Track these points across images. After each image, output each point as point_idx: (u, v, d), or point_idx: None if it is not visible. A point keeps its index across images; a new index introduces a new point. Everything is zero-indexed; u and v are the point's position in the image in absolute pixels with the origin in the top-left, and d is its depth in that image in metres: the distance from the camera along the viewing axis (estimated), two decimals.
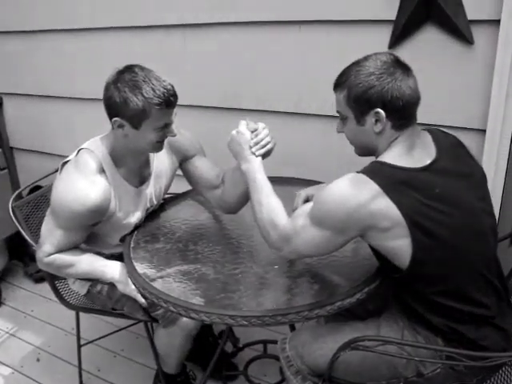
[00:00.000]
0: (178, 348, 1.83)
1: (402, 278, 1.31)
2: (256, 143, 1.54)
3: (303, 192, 1.66)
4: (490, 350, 1.30)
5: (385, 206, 1.21)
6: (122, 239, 1.78)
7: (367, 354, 1.30)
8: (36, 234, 1.96)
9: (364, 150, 1.40)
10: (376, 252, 1.36)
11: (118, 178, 1.65)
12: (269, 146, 1.56)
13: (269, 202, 1.42)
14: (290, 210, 1.48)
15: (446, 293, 1.30)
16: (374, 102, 1.26)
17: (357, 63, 1.31)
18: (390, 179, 1.24)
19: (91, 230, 1.71)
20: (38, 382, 2.25)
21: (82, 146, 1.65)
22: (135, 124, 1.53)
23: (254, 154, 1.53)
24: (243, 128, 1.58)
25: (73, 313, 2.05)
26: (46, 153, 3.16)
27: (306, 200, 1.62)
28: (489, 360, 1.19)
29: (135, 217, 1.76)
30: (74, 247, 1.70)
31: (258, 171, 1.49)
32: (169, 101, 1.52)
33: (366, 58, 1.31)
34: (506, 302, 1.45)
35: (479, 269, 1.33)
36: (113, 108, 1.52)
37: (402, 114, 1.28)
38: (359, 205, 1.22)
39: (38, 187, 2.27)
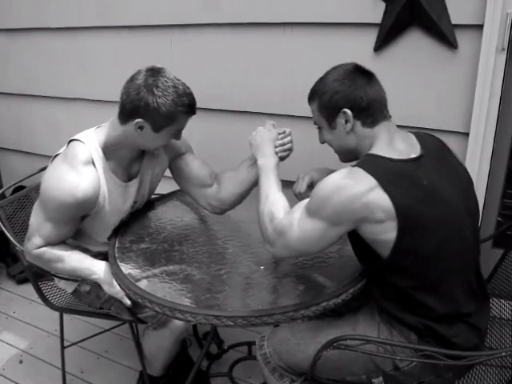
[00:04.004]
0: (166, 350, 1.82)
1: (381, 269, 1.33)
2: (281, 145, 1.62)
3: (307, 177, 1.65)
4: (461, 347, 1.32)
5: (379, 198, 1.23)
6: (110, 238, 1.77)
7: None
8: (19, 234, 1.95)
9: (347, 155, 1.45)
10: (357, 244, 1.37)
11: (107, 171, 1.64)
12: (289, 152, 1.65)
13: (275, 197, 1.46)
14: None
15: (421, 287, 1.32)
16: (340, 104, 1.36)
17: (324, 75, 1.43)
18: (384, 171, 1.27)
19: (79, 225, 1.70)
20: None
21: (73, 137, 1.64)
22: (157, 128, 1.56)
23: (276, 153, 1.60)
24: (271, 127, 1.66)
25: (56, 314, 2.03)
26: (31, 152, 3.14)
27: (311, 184, 1.62)
28: (466, 359, 1.21)
29: (122, 212, 1.76)
30: (62, 242, 1.69)
31: (273, 168, 1.56)
32: (193, 109, 1.59)
33: (330, 70, 1.43)
34: (484, 301, 1.48)
35: (457, 265, 1.35)
36: (141, 110, 1.51)
37: (369, 111, 1.36)
38: (355, 196, 1.24)
39: (22, 187, 2.25)
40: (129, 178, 1.74)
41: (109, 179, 1.65)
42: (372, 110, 1.36)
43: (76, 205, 1.57)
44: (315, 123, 1.48)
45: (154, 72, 1.53)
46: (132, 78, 1.54)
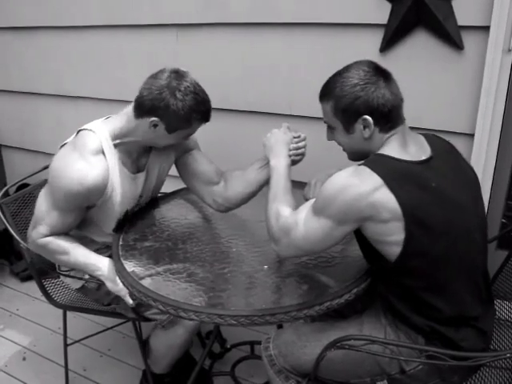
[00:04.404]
0: (177, 348, 1.82)
1: (391, 270, 1.33)
2: (295, 148, 1.63)
3: (319, 183, 1.63)
4: (468, 351, 1.31)
5: (385, 198, 1.23)
6: (116, 229, 1.78)
7: (350, 351, 1.31)
8: (23, 231, 1.95)
9: (357, 155, 1.43)
10: (365, 243, 1.37)
11: (116, 162, 1.65)
12: (302, 156, 1.66)
13: (283, 198, 1.47)
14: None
15: (429, 289, 1.32)
16: (361, 111, 1.31)
17: (339, 74, 1.36)
18: (391, 171, 1.26)
19: (86, 215, 1.70)
20: (24, 381, 2.22)
21: (82, 127, 1.65)
22: (171, 129, 1.59)
23: (289, 156, 1.60)
24: (286, 129, 1.66)
25: (59, 312, 2.03)
26: (34, 150, 3.14)
27: None
28: (471, 360, 1.21)
29: (128, 203, 1.76)
30: (68, 234, 1.70)
31: (285, 169, 1.56)
32: (209, 117, 1.62)
33: (347, 69, 1.35)
34: (490, 304, 1.48)
35: (465, 267, 1.35)
36: (160, 110, 1.54)
37: (389, 118, 1.33)
38: (360, 195, 1.24)
39: (26, 185, 2.25)
40: (137, 170, 1.74)
41: (118, 169, 1.65)
42: (391, 116, 1.32)
43: (84, 194, 1.57)
44: (326, 122, 1.43)
45: (179, 75, 1.55)
46: (155, 76, 1.55)
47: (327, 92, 1.38)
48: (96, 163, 1.58)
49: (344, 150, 1.46)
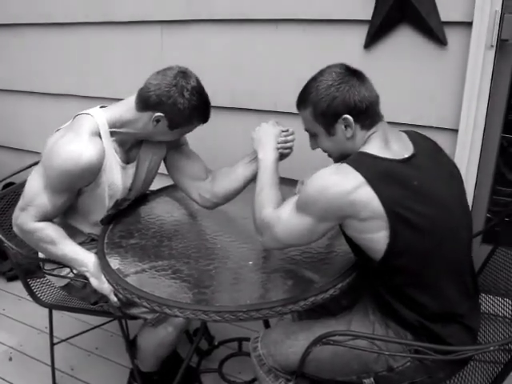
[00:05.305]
0: (167, 346, 1.81)
1: (376, 268, 1.33)
2: (283, 142, 1.65)
3: None
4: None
5: (366, 196, 1.23)
6: (103, 220, 1.77)
7: (338, 350, 1.32)
8: (8, 231, 1.93)
9: (341, 156, 1.42)
10: (351, 242, 1.37)
11: (110, 148, 1.65)
12: (290, 150, 1.67)
13: (270, 191, 1.48)
14: None
15: (417, 286, 1.32)
16: (340, 111, 1.33)
17: (314, 79, 1.38)
18: (373, 169, 1.27)
19: (74, 202, 1.69)
20: (10, 382, 2.20)
21: (80, 112, 1.65)
22: (173, 126, 1.64)
23: (277, 149, 1.62)
24: (275, 123, 1.69)
25: (45, 311, 2.02)
26: (17, 149, 3.12)
27: None
28: (455, 354, 1.21)
29: (118, 193, 1.75)
30: (58, 227, 1.69)
31: (273, 163, 1.57)
32: (208, 118, 1.69)
33: (321, 73, 1.38)
34: (476, 300, 1.49)
35: (452, 264, 1.35)
36: (166, 106, 1.57)
37: (367, 114, 1.34)
38: (342, 193, 1.24)
39: (11, 184, 2.24)
40: (127, 161, 1.74)
41: (110, 155, 1.65)
42: (370, 112, 1.33)
43: (79, 174, 1.57)
44: (307, 130, 1.45)
45: (186, 75, 1.60)
46: (164, 73, 1.59)
47: (304, 99, 1.39)
48: (92, 144, 1.58)
49: (329, 155, 1.47)
